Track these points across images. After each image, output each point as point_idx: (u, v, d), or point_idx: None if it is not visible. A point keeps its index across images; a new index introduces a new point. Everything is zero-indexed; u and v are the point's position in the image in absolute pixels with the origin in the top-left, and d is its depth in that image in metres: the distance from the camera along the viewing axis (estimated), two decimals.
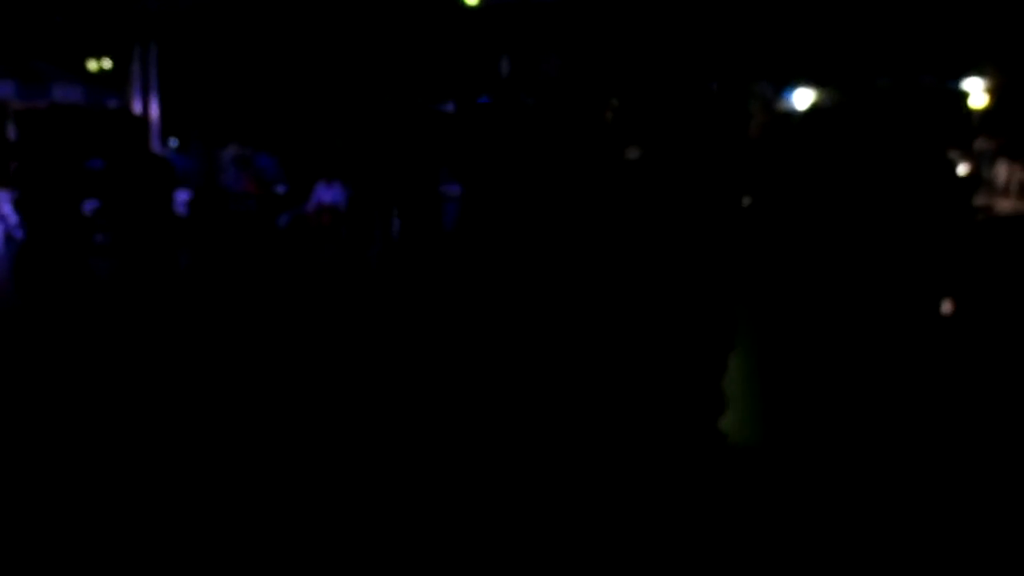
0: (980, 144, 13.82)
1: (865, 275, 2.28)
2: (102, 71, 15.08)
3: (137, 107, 13.39)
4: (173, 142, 15.31)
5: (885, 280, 2.28)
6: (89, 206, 6.60)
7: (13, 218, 7.59)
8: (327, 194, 11.33)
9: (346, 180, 10.84)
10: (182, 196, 10.19)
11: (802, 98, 15.63)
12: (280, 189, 12.07)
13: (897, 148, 2.28)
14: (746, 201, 2.46)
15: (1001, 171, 14.24)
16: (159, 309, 5.93)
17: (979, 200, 9.36)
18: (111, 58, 14.76)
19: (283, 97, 15.08)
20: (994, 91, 18.84)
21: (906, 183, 2.26)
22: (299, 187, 11.79)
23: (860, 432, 2.50)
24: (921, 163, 2.29)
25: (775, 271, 2.42)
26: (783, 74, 16.81)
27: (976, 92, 18.93)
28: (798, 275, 2.34)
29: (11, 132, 12.30)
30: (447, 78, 11.37)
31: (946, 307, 2.61)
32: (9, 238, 8.49)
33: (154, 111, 13.58)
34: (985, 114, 18.19)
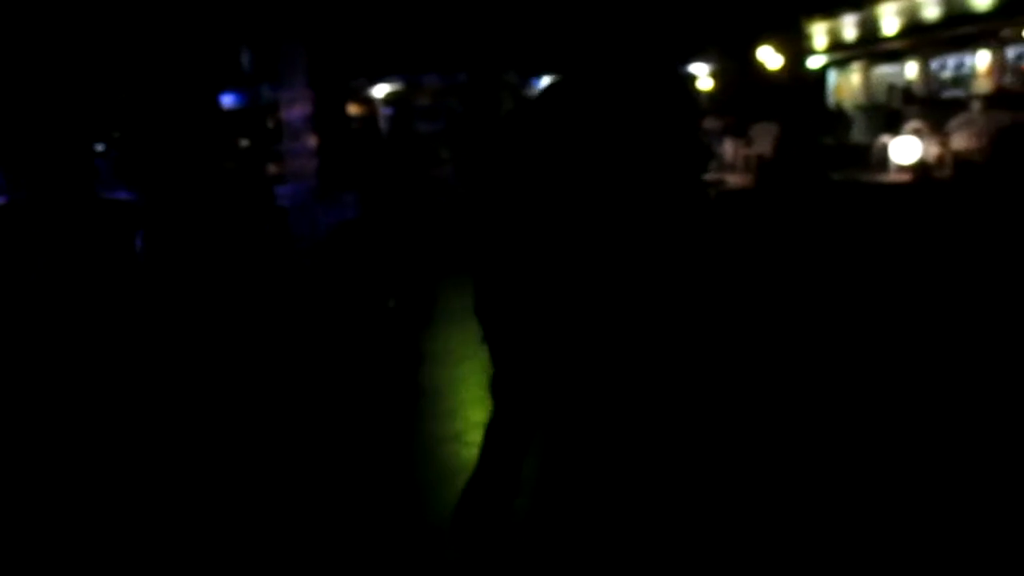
0: (709, 123, 14.84)
1: (608, 258, 2.25)
2: None
3: None
4: None
5: (628, 263, 2.26)
6: None
7: None
8: None
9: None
10: None
11: None
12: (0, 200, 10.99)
13: (633, 128, 2.28)
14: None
15: (728, 148, 15.41)
16: None
17: (711, 176, 10.02)
18: None
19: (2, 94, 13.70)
20: (719, 75, 20.33)
21: (643, 160, 2.26)
22: (24, 197, 10.76)
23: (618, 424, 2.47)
24: (658, 141, 2.29)
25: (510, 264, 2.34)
26: (530, 64, 17.32)
27: (703, 75, 20.36)
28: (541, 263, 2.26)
29: None
30: (186, 70, 10.76)
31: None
32: None
33: None
34: (712, 96, 19.60)
